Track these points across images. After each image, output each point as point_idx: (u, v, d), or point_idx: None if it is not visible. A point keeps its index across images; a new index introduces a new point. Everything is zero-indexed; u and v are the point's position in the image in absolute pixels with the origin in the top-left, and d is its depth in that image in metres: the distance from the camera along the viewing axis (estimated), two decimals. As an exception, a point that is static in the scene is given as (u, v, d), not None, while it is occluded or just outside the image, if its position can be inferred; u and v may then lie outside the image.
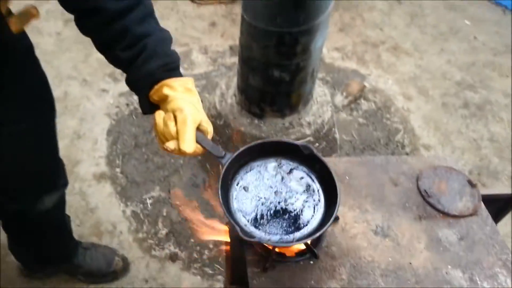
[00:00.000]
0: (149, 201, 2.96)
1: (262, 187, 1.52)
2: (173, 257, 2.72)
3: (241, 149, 1.54)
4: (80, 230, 2.83)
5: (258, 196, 1.50)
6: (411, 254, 1.58)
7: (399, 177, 1.83)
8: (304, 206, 1.50)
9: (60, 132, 3.40)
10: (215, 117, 2.96)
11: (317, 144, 2.94)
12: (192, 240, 2.77)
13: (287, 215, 1.47)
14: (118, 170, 3.14)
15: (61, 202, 1.94)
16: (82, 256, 2.44)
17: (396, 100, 3.76)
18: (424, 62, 4.15)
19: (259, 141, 1.63)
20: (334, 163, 1.86)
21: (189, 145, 1.18)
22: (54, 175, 1.81)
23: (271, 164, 1.57)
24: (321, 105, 3.07)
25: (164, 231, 2.74)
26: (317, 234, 1.38)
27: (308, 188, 1.54)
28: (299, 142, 1.55)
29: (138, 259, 2.74)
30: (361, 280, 1.48)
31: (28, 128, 1.54)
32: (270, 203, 1.48)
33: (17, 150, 1.52)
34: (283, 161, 1.59)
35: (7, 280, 2.48)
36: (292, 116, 2.90)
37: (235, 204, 1.48)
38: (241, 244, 1.52)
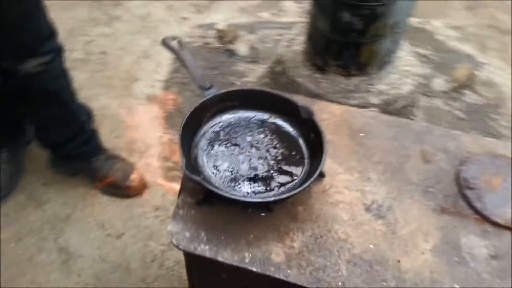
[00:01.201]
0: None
1: (241, 137, 1.26)
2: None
3: (231, 89, 1.26)
4: (115, 142, 2.79)
5: (233, 145, 1.24)
6: (406, 250, 1.12)
7: (436, 153, 1.33)
8: (283, 167, 1.22)
9: (130, 48, 3.44)
10: (274, 61, 2.63)
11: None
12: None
13: (262, 173, 1.20)
14: (170, 97, 3.02)
15: (48, 71, 1.82)
16: (102, 162, 2.37)
17: (510, 101, 2.99)
18: None
19: (255, 88, 1.30)
20: (351, 113, 1.42)
21: None
22: (37, 38, 1.68)
23: (260, 116, 1.30)
24: (402, 76, 2.53)
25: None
26: (284, 196, 1.10)
27: (295, 151, 1.26)
28: (300, 103, 1.20)
29: (156, 186, 2.59)
30: (316, 257, 1.08)
31: None
32: (246, 156, 1.22)
33: None
34: (276, 118, 1.31)
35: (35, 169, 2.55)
36: (360, 78, 2.44)
37: (201, 143, 1.23)
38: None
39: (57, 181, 2.57)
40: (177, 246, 1.09)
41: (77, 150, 2.29)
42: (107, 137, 2.61)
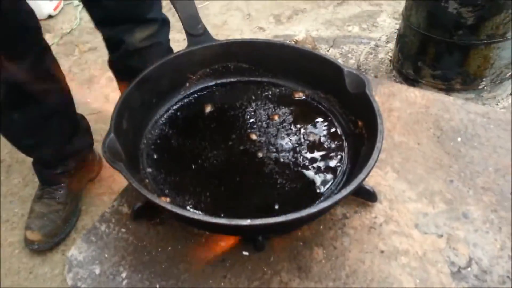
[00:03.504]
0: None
1: (239, 115, 0.76)
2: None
3: (233, 39, 0.75)
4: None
5: (223, 127, 0.74)
6: None
7: None
8: (300, 172, 0.67)
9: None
10: (352, 70, 2.07)
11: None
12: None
13: (263, 178, 0.67)
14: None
15: (154, 47, 1.48)
16: None
17: None
18: None
19: (271, 40, 0.78)
20: (444, 104, 0.83)
21: None
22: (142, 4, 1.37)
23: (275, 87, 0.80)
24: (530, 98, 1.81)
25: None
26: (282, 220, 0.57)
27: (326, 147, 0.70)
28: (347, 68, 0.66)
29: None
30: None
31: None
32: (241, 145, 0.69)
33: None
34: (301, 91, 0.79)
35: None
36: (465, 95, 1.77)
37: (171, 115, 0.75)
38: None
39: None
40: (74, 288, 0.58)
41: None
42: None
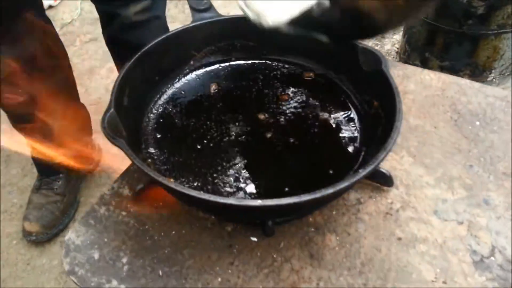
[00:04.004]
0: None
1: (246, 95, 0.72)
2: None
3: (240, 15, 0.71)
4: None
5: (228, 108, 0.70)
6: None
7: None
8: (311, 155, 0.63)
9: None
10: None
11: None
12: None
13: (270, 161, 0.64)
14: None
15: (149, 23, 1.44)
16: None
17: None
18: None
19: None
20: (461, 87, 0.79)
21: None
22: None
23: (287, 66, 0.76)
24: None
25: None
26: (294, 201, 0.54)
27: (340, 128, 0.64)
28: (361, 45, 0.62)
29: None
30: None
31: None
32: (245, 126, 0.65)
33: None
34: (313, 69, 0.75)
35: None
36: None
37: (174, 93, 0.71)
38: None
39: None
40: (70, 276, 0.54)
41: None
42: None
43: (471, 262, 0.56)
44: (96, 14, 1.44)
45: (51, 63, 1.34)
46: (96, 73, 2.41)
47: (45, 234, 1.58)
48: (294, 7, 0.52)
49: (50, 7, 2.83)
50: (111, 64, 1.67)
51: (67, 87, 1.47)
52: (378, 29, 0.56)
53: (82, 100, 1.65)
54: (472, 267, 0.55)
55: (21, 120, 1.37)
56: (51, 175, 1.63)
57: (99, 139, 1.84)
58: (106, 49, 1.52)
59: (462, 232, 0.59)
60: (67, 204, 1.66)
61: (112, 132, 0.52)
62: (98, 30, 2.61)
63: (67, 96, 1.48)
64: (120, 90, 0.59)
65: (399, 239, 0.58)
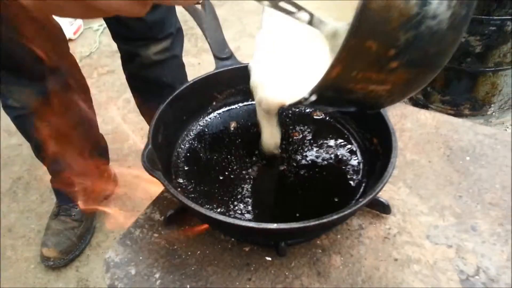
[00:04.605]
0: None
1: (259, 134, 0.78)
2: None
3: None
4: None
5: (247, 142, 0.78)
6: None
7: None
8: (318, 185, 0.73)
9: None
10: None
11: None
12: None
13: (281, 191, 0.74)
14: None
15: (167, 61, 1.53)
16: None
17: None
18: None
19: None
20: (453, 126, 0.88)
21: None
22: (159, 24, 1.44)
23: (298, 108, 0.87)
24: (537, 125, 1.86)
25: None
26: (303, 225, 0.58)
27: (343, 162, 0.76)
28: None
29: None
30: None
31: None
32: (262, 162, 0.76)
33: None
34: (321, 112, 0.86)
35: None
36: (473, 120, 1.83)
37: (199, 131, 0.82)
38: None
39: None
40: None
41: None
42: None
43: (458, 281, 0.64)
44: (113, 48, 1.55)
45: (75, 96, 1.45)
46: (113, 104, 2.53)
47: (62, 260, 1.65)
48: (287, 98, 0.58)
49: (70, 40, 3.00)
50: (127, 95, 1.77)
51: (88, 119, 1.58)
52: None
53: (100, 130, 1.76)
54: (459, 285, 0.63)
55: (43, 150, 1.46)
56: (69, 202, 1.71)
57: (115, 166, 1.94)
58: (123, 81, 1.63)
59: (451, 254, 0.67)
60: (84, 230, 1.73)
61: (151, 165, 0.63)
62: (115, 62, 2.76)
63: (87, 128, 1.59)
64: (156, 128, 0.70)
65: (396, 260, 0.67)
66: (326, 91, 0.45)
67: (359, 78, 0.42)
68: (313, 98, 0.46)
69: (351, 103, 0.53)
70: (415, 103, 1.95)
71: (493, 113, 1.82)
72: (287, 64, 0.65)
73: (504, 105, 1.81)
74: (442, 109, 1.85)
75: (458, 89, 1.79)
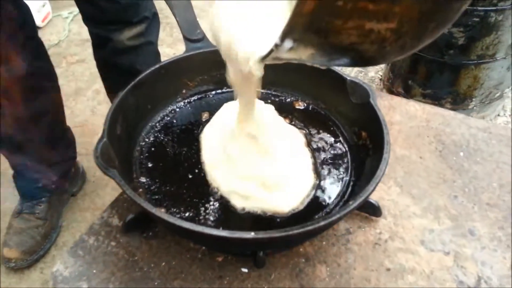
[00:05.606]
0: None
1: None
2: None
3: None
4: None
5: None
6: None
7: None
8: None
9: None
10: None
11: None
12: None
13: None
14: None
15: (141, 48, 1.42)
16: None
17: None
18: None
19: None
20: (445, 119, 0.81)
21: None
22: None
23: (279, 98, 0.77)
24: (517, 120, 1.83)
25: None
26: (282, 234, 0.55)
27: (330, 160, 0.67)
28: (350, 78, 0.63)
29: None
30: None
31: None
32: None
33: None
34: (303, 102, 0.77)
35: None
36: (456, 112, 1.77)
37: (165, 123, 0.69)
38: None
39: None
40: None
41: None
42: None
43: (458, 293, 0.57)
44: (84, 36, 1.44)
45: (41, 84, 1.33)
46: (82, 95, 2.39)
47: (25, 261, 1.53)
48: (263, 47, 0.45)
49: (37, 28, 2.83)
50: (98, 85, 1.65)
51: (54, 109, 1.45)
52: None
53: (67, 122, 1.63)
54: (459, 298, 0.56)
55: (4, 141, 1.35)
56: (33, 198, 1.60)
57: (83, 161, 1.82)
58: (93, 70, 1.51)
59: (449, 262, 0.60)
60: (49, 228, 1.62)
61: (104, 162, 0.53)
62: (85, 51, 2.61)
63: (53, 118, 1.47)
64: (113, 119, 0.59)
65: (388, 269, 0.59)
66: (304, 33, 0.33)
67: (349, 10, 0.30)
68: (288, 44, 0.34)
69: (344, 51, 0.39)
70: (397, 95, 1.89)
71: (474, 107, 1.78)
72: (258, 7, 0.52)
73: (485, 99, 1.77)
74: (423, 102, 1.79)
75: (439, 82, 1.74)
